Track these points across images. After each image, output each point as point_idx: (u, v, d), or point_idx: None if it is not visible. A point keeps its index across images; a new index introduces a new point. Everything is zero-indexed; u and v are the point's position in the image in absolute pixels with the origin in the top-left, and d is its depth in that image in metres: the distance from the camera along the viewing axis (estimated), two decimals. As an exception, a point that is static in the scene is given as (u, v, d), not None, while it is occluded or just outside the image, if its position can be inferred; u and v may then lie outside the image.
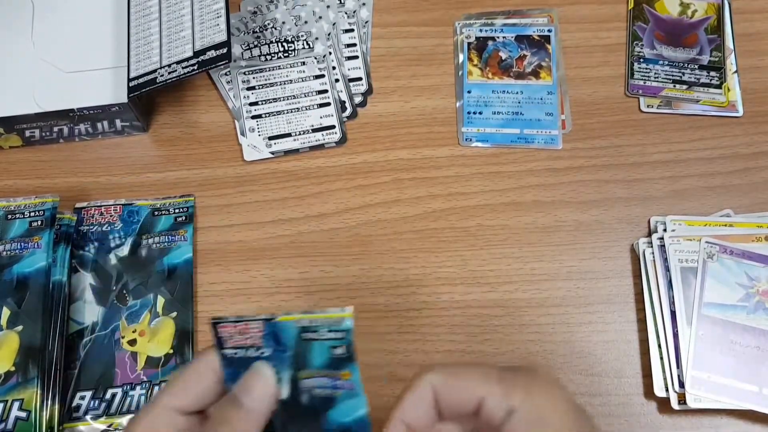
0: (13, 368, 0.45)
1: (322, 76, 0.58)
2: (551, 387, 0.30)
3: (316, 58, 0.58)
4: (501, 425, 0.30)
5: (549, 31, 0.60)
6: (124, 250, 0.52)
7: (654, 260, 0.50)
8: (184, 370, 0.31)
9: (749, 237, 0.50)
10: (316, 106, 0.57)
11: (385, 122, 0.57)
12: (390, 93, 0.58)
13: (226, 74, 0.58)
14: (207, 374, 0.31)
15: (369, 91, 0.58)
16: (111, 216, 0.53)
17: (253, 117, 0.57)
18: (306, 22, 0.60)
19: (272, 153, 0.56)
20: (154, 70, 0.52)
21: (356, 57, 0.59)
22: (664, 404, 0.47)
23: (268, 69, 0.58)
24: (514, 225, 0.54)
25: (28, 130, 0.54)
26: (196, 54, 0.52)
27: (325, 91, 0.57)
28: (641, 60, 0.59)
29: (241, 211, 0.54)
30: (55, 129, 0.55)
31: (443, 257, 0.52)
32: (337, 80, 0.58)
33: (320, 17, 0.60)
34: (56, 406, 0.45)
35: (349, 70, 0.59)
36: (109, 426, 0.47)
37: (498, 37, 0.60)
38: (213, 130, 0.57)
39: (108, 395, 0.47)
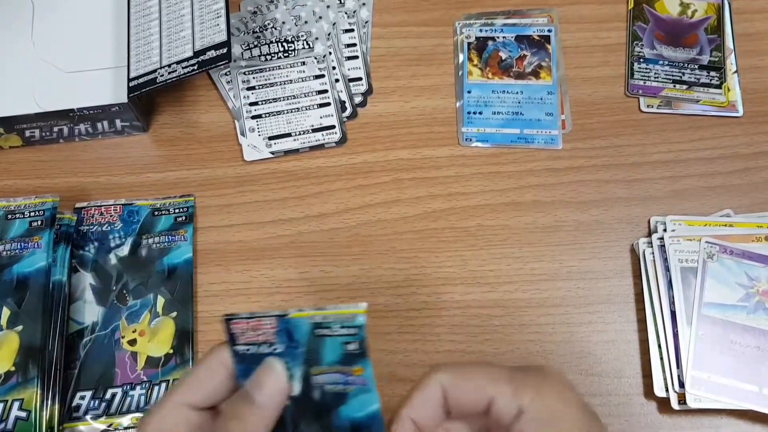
0: (13, 368, 0.45)
1: (322, 76, 0.58)
2: (561, 387, 0.31)
3: (316, 58, 0.58)
4: (511, 425, 0.30)
5: (549, 31, 0.60)
6: (124, 250, 0.52)
7: (654, 260, 0.50)
8: (196, 366, 0.31)
9: (749, 237, 0.50)
10: (316, 106, 0.57)
11: (385, 122, 0.57)
12: (390, 93, 0.58)
13: (226, 74, 0.58)
14: (219, 370, 0.31)
15: (369, 91, 0.58)
16: (111, 216, 0.53)
17: (253, 117, 0.57)
18: (306, 22, 0.60)
19: (272, 153, 0.56)
20: (154, 70, 0.52)
21: (356, 57, 0.59)
22: (664, 404, 0.47)
23: (268, 69, 0.58)
24: (514, 225, 0.54)
25: (28, 130, 0.54)
26: (196, 54, 0.52)
27: (325, 91, 0.57)
28: (641, 60, 0.59)
29: (241, 211, 0.54)
30: (55, 129, 0.55)
31: (443, 257, 0.52)
32: (337, 80, 0.58)
33: (320, 17, 0.60)
34: (56, 406, 0.45)
35: (349, 70, 0.59)
36: (109, 426, 0.47)
37: (498, 37, 0.60)
38: (213, 130, 0.57)
39: (108, 395, 0.47)
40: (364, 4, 0.61)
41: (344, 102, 0.57)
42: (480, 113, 0.57)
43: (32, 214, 0.49)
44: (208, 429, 0.30)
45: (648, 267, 0.50)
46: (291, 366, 0.30)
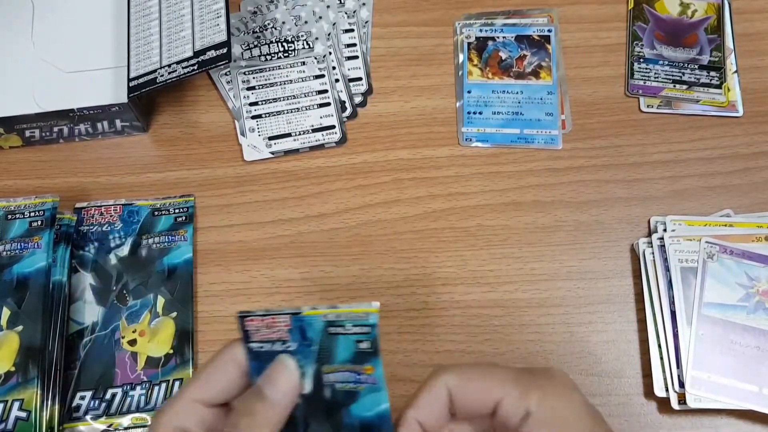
0: (13, 368, 0.45)
1: (322, 76, 0.58)
2: (567, 390, 0.31)
3: (316, 58, 0.58)
4: (518, 427, 0.30)
5: (549, 31, 0.60)
6: (124, 250, 0.52)
7: (654, 260, 0.50)
8: (208, 363, 0.31)
9: (749, 237, 0.50)
10: (316, 106, 0.57)
11: (385, 122, 0.57)
12: (390, 93, 0.58)
13: (226, 74, 0.58)
14: (231, 367, 0.31)
15: (369, 91, 0.58)
16: (111, 216, 0.53)
17: (253, 117, 0.57)
18: (306, 22, 0.60)
19: (272, 153, 0.56)
20: (154, 70, 0.52)
21: (356, 57, 0.59)
22: (664, 404, 0.48)
23: (268, 69, 0.58)
24: (514, 225, 0.54)
25: (28, 130, 0.54)
26: (196, 54, 0.52)
27: (325, 91, 0.57)
28: (641, 60, 0.59)
29: (241, 211, 0.54)
30: (55, 129, 0.55)
31: (443, 257, 0.52)
32: (337, 80, 0.58)
33: (320, 17, 0.60)
34: (56, 406, 0.45)
35: (349, 70, 0.59)
36: (109, 426, 0.47)
37: (498, 37, 0.60)
38: (213, 130, 0.57)
39: (108, 395, 0.47)
40: (364, 4, 0.61)
41: (344, 102, 0.57)
42: (480, 113, 0.57)
43: (32, 214, 0.49)
44: (221, 425, 0.30)
45: (648, 267, 0.50)
46: (303, 364, 0.30)
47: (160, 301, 0.50)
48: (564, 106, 0.57)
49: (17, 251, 0.48)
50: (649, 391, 0.48)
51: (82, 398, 0.47)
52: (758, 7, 0.61)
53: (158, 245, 0.52)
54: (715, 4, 0.60)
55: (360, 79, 0.58)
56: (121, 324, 0.50)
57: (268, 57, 0.58)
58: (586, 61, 0.59)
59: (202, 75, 0.58)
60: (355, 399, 0.30)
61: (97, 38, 0.55)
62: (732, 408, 0.46)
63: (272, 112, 0.57)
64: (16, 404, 0.44)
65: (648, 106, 0.57)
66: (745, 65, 0.58)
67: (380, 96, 0.58)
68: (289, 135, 0.56)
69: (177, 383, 0.48)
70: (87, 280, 0.51)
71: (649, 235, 0.52)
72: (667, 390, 0.47)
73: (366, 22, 0.61)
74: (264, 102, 0.57)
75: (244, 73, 0.58)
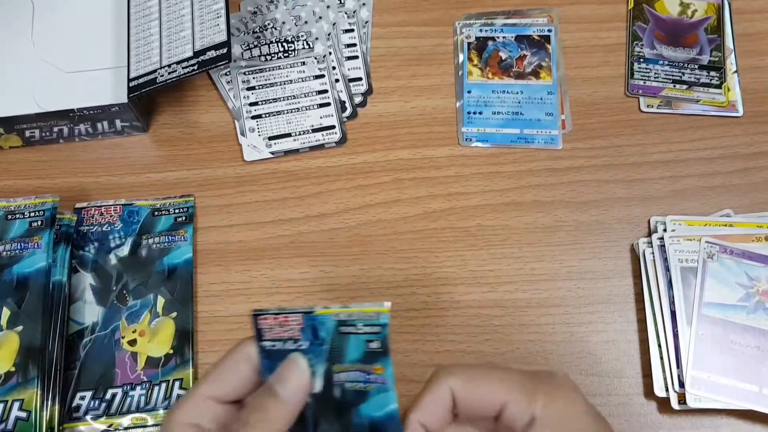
0: (13, 368, 0.45)
1: (322, 76, 0.58)
2: (572, 394, 0.31)
3: (316, 58, 0.58)
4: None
5: (549, 31, 0.60)
6: (124, 251, 0.52)
7: (654, 260, 0.50)
8: (221, 360, 0.31)
9: (749, 237, 0.50)
10: (316, 106, 0.57)
11: (385, 122, 0.57)
12: (390, 93, 0.58)
13: (226, 74, 0.58)
14: (244, 365, 0.31)
15: (369, 91, 0.58)
16: (111, 216, 0.53)
17: (253, 117, 0.57)
18: (306, 22, 0.60)
19: (272, 153, 0.56)
20: (154, 71, 0.52)
21: (356, 57, 0.59)
22: (664, 404, 0.48)
23: (268, 69, 0.58)
24: (514, 225, 0.54)
25: (28, 130, 0.54)
26: (196, 54, 0.52)
27: (325, 91, 0.57)
28: (641, 60, 0.59)
29: (241, 211, 0.54)
30: (55, 129, 0.55)
31: (443, 257, 0.52)
32: (337, 80, 0.58)
33: (320, 17, 0.60)
34: (56, 407, 0.45)
35: (349, 70, 0.59)
36: (109, 426, 0.47)
37: (498, 37, 0.60)
38: (213, 130, 0.57)
39: (108, 395, 0.47)
40: (364, 4, 0.61)
41: (344, 102, 0.57)
42: (480, 113, 0.57)
43: (32, 214, 0.49)
44: (233, 422, 0.30)
45: (648, 267, 0.50)
46: (314, 363, 0.30)
47: (160, 301, 0.50)
48: (564, 106, 0.57)
49: (17, 251, 0.48)
50: (649, 391, 0.48)
51: (82, 398, 0.47)
52: (758, 7, 0.61)
53: (158, 245, 0.52)
54: (715, 4, 0.60)
55: (360, 79, 0.58)
56: (121, 324, 0.50)
57: (268, 57, 0.58)
58: (586, 61, 0.59)
59: (202, 75, 0.58)
60: (365, 399, 0.30)
61: (97, 38, 0.55)
62: (732, 408, 0.46)
63: (272, 112, 0.57)
64: (16, 404, 0.44)
65: (648, 106, 0.57)
66: (745, 65, 0.58)
67: (380, 96, 0.58)
68: (289, 135, 0.56)
69: (177, 383, 0.48)
70: (87, 280, 0.51)
71: (649, 235, 0.52)
72: (667, 390, 0.47)
73: (366, 22, 0.61)
74: (264, 102, 0.57)
75: (244, 73, 0.58)
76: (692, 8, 0.60)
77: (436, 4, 0.61)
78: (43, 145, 0.56)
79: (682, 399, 0.46)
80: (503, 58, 0.59)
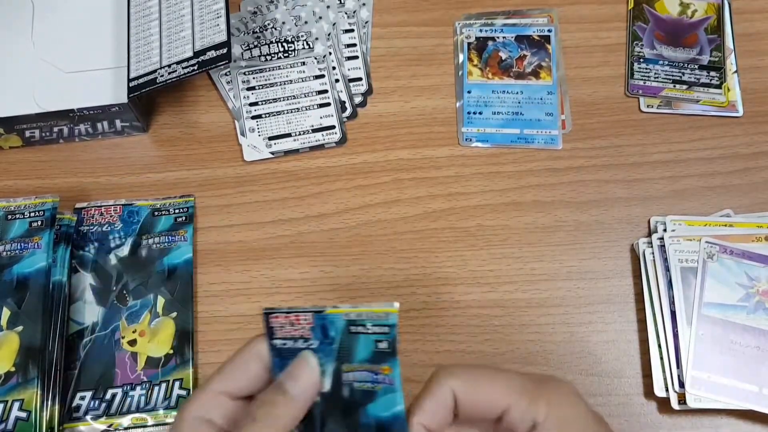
0: (13, 369, 0.45)
1: (322, 76, 0.58)
2: (573, 398, 0.31)
3: (316, 58, 0.58)
4: None
5: (549, 31, 0.60)
6: (124, 251, 0.52)
7: (654, 260, 0.50)
8: (233, 356, 0.32)
9: (749, 237, 0.50)
10: (316, 107, 0.57)
11: (385, 122, 0.57)
12: (390, 93, 0.58)
13: (226, 74, 0.58)
14: (255, 361, 0.31)
15: (369, 91, 0.58)
16: (111, 216, 0.53)
17: (253, 117, 0.57)
18: (306, 23, 0.60)
19: (272, 153, 0.56)
20: (154, 71, 0.52)
21: (356, 57, 0.59)
22: (664, 404, 0.48)
23: (268, 69, 0.58)
24: (514, 225, 0.54)
25: (28, 131, 0.54)
26: (196, 54, 0.52)
27: (325, 91, 0.57)
28: (641, 60, 0.59)
29: (241, 212, 0.54)
30: (55, 129, 0.55)
31: (443, 257, 0.52)
32: (337, 80, 0.58)
33: (320, 17, 0.60)
34: (56, 407, 0.45)
35: (349, 70, 0.59)
36: (109, 426, 0.47)
37: (498, 37, 0.60)
38: (213, 130, 0.57)
39: (108, 395, 0.47)
40: (364, 4, 0.61)
41: (344, 102, 0.57)
42: (480, 113, 0.57)
43: (32, 214, 0.49)
44: (242, 417, 0.30)
45: (648, 267, 0.50)
46: (323, 362, 0.31)
47: (160, 301, 0.50)
48: (564, 106, 0.57)
49: (17, 251, 0.48)
50: (649, 391, 0.48)
51: (82, 398, 0.47)
52: (758, 7, 0.61)
53: (158, 245, 0.52)
54: (715, 4, 0.60)
55: (360, 79, 0.58)
56: (121, 324, 0.50)
57: (268, 57, 0.58)
58: (586, 61, 0.59)
59: (202, 75, 0.58)
60: (372, 399, 0.30)
61: (97, 38, 0.55)
62: (732, 408, 0.46)
63: (272, 113, 0.57)
64: (17, 404, 0.44)
65: (648, 106, 0.57)
66: (745, 65, 0.58)
67: (380, 96, 0.58)
68: (289, 135, 0.56)
69: (177, 383, 0.48)
70: (87, 280, 0.51)
71: (649, 235, 0.52)
72: (667, 390, 0.47)
73: (366, 22, 0.61)
74: (264, 102, 0.57)
75: (244, 74, 0.58)
76: (692, 8, 0.60)
77: (436, 4, 0.61)
78: (43, 145, 0.56)
79: (682, 399, 0.46)
80: (503, 58, 0.59)
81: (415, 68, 0.59)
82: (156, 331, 0.49)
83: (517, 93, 0.58)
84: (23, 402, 0.44)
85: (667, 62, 0.58)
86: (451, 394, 0.30)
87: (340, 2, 0.61)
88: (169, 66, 0.52)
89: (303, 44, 0.59)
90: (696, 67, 0.58)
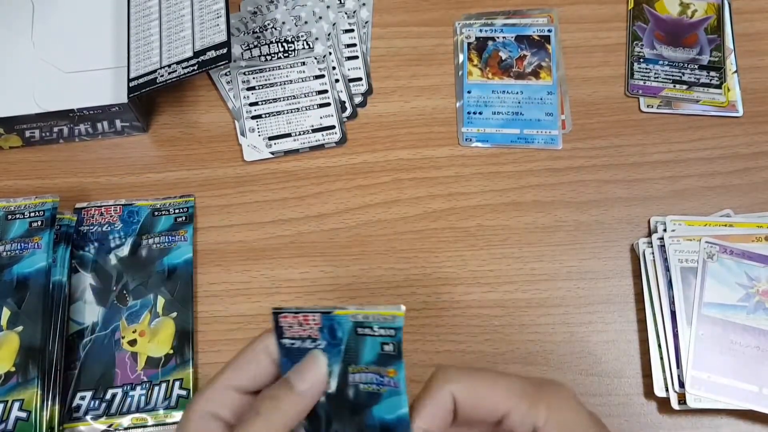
0: (13, 369, 0.45)
1: (322, 76, 0.58)
2: (572, 403, 0.31)
3: (316, 58, 0.58)
4: None
5: (549, 31, 0.60)
6: (124, 251, 0.52)
7: (654, 260, 0.50)
8: (241, 351, 0.32)
9: (749, 237, 0.50)
10: (316, 107, 0.57)
11: (385, 122, 0.57)
12: (390, 93, 0.58)
13: (226, 74, 0.58)
14: (263, 356, 0.31)
15: (369, 91, 0.58)
16: (111, 216, 0.53)
17: (253, 117, 0.57)
18: (306, 23, 0.60)
19: (272, 153, 0.56)
20: (154, 71, 0.52)
21: (356, 57, 0.59)
22: (664, 404, 0.48)
23: (268, 69, 0.58)
24: (514, 225, 0.54)
25: (28, 131, 0.54)
26: (196, 54, 0.52)
27: (325, 91, 0.57)
28: (641, 60, 0.59)
29: (241, 212, 0.54)
30: (55, 129, 0.55)
31: (443, 257, 0.52)
32: (337, 80, 0.58)
33: (320, 17, 0.60)
34: (56, 407, 0.45)
35: (349, 70, 0.59)
36: (109, 426, 0.47)
37: (498, 37, 0.60)
38: (213, 130, 0.57)
39: (108, 395, 0.47)
40: (364, 4, 0.61)
41: (344, 102, 0.57)
42: (480, 113, 0.57)
43: (32, 214, 0.49)
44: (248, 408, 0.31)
45: (648, 267, 0.50)
46: (330, 362, 0.31)
47: (160, 301, 0.50)
48: (564, 106, 0.57)
49: (17, 251, 0.48)
50: (649, 391, 0.48)
51: (82, 398, 0.47)
52: (758, 7, 0.61)
53: (158, 245, 0.52)
54: (715, 4, 0.60)
55: (360, 79, 0.58)
56: (121, 324, 0.50)
57: (268, 57, 0.58)
58: (586, 61, 0.59)
59: (202, 75, 0.58)
60: (378, 401, 0.30)
61: (97, 38, 0.55)
62: (732, 408, 0.46)
63: (272, 113, 0.57)
64: (17, 404, 0.44)
65: (648, 106, 0.57)
66: (745, 65, 0.58)
67: (380, 96, 0.58)
68: (289, 135, 0.56)
69: (177, 383, 0.48)
70: (87, 280, 0.51)
71: (649, 235, 0.52)
72: (667, 390, 0.47)
73: (366, 22, 0.61)
74: (264, 102, 0.57)
75: (244, 74, 0.58)
76: (692, 8, 0.60)
77: (436, 4, 0.61)
78: (43, 145, 0.56)
79: (682, 399, 0.46)
80: (503, 58, 0.59)
81: (415, 68, 0.59)
82: (156, 331, 0.49)
83: (517, 93, 0.58)
84: (23, 402, 0.44)
85: (667, 62, 0.58)
86: (451, 398, 0.31)
87: (340, 2, 0.61)
88: (169, 66, 0.52)
89: (303, 44, 0.59)
90: (696, 67, 0.58)
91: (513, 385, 0.31)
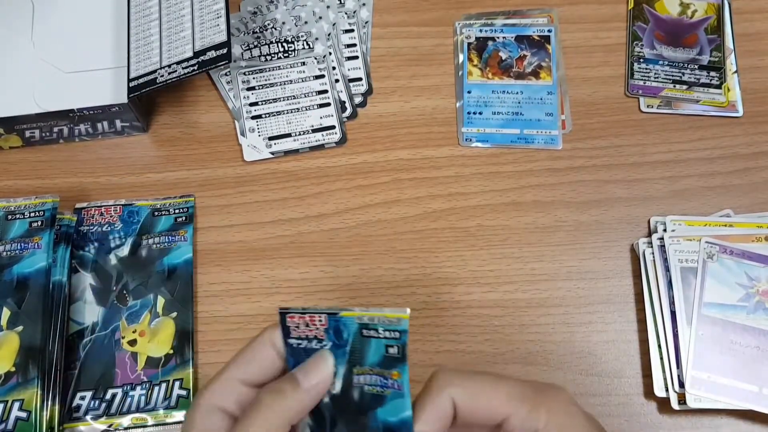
0: (13, 369, 0.45)
1: (322, 76, 0.58)
2: (572, 407, 0.31)
3: (316, 58, 0.58)
4: None
5: (549, 31, 0.60)
6: (124, 251, 0.52)
7: (654, 260, 0.50)
8: (247, 344, 0.32)
9: (749, 237, 0.50)
10: (316, 107, 0.57)
11: (385, 122, 0.57)
12: (390, 93, 0.58)
13: (226, 74, 0.58)
14: (269, 348, 0.32)
15: (369, 92, 0.58)
16: (111, 216, 0.53)
17: (253, 117, 0.57)
18: (306, 23, 0.60)
19: (272, 153, 0.56)
20: (154, 71, 0.52)
21: (356, 57, 0.59)
22: (664, 404, 0.48)
23: (268, 69, 0.58)
24: (514, 225, 0.54)
25: (28, 131, 0.54)
26: (196, 54, 0.52)
27: (325, 91, 0.57)
28: (641, 60, 0.59)
29: (241, 212, 0.54)
30: (55, 129, 0.55)
31: (443, 257, 0.52)
32: (337, 80, 0.58)
33: (320, 17, 0.60)
34: (56, 407, 0.45)
35: (349, 70, 0.59)
36: (109, 426, 0.47)
37: (498, 37, 0.60)
38: (213, 130, 0.57)
39: (108, 395, 0.47)
40: (364, 4, 0.61)
41: (344, 102, 0.57)
42: (480, 113, 0.57)
43: (32, 214, 0.49)
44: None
45: (648, 267, 0.50)
46: (336, 363, 0.31)
47: (160, 301, 0.50)
48: (564, 106, 0.57)
49: (17, 251, 0.48)
50: (649, 391, 0.48)
51: (82, 398, 0.47)
52: (758, 7, 0.61)
53: (158, 245, 0.52)
54: (715, 4, 0.60)
55: (360, 79, 0.58)
56: (121, 324, 0.50)
57: (268, 57, 0.58)
58: (586, 61, 0.59)
59: (202, 75, 0.58)
60: (381, 403, 0.30)
61: (97, 38, 0.55)
62: (732, 408, 0.46)
63: (272, 113, 0.57)
64: (17, 404, 0.44)
65: (648, 106, 0.57)
66: (745, 65, 0.58)
67: (380, 96, 0.58)
68: (289, 135, 0.56)
69: (177, 383, 0.48)
70: (87, 280, 0.51)
71: (649, 235, 0.52)
72: (667, 390, 0.47)
73: (366, 22, 0.61)
74: (264, 102, 0.57)
75: (244, 74, 0.58)
76: (692, 8, 0.60)
77: (436, 4, 0.61)
78: (43, 145, 0.56)
79: (682, 399, 0.46)
80: (503, 58, 0.59)
81: (415, 68, 0.59)
82: (156, 331, 0.49)
83: (517, 93, 0.58)
84: (23, 402, 0.44)
85: (667, 62, 0.58)
86: (450, 403, 0.31)
87: (340, 2, 0.61)
88: (169, 66, 0.52)
89: (303, 44, 0.59)
90: (696, 67, 0.58)
91: (513, 389, 0.31)
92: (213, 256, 0.53)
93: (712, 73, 0.58)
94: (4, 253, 0.48)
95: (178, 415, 0.47)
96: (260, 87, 0.58)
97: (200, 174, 0.55)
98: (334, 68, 0.58)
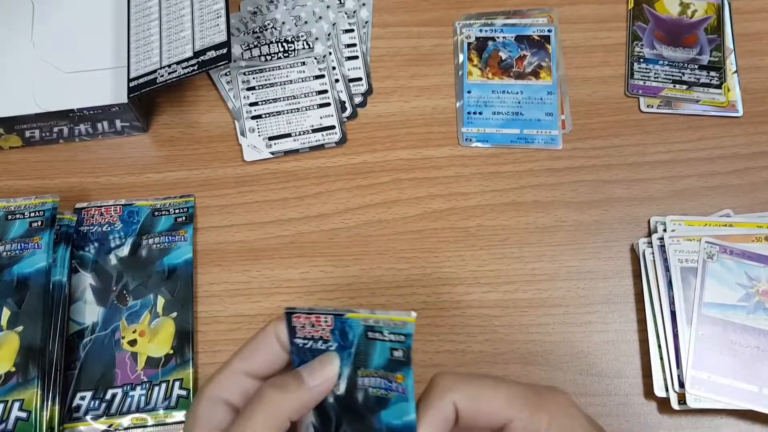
0: (13, 369, 0.45)
1: (322, 76, 0.58)
2: (573, 410, 0.31)
3: (316, 58, 0.58)
4: None
5: (549, 31, 0.60)
6: (124, 251, 0.52)
7: (654, 260, 0.50)
8: (252, 337, 0.32)
9: (749, 237, 0.50)
10: (316, 107, 0.57)
11: (385, 122, 0.57)
12: (390, 93, 0.58)
13: (226, 74, 0.58)
14: (274, 341, 0.32)
15: (369, 91, 0.58)
16: (111, 216, 0.53)
17: (253, 117, 0.57)
18: (306, 23, 0.60)
19: (272, 153, 0.56)
20: (154, 71, 0.52)
21: (356, 57, 0.59)
22: (664, 404, 0.48)
23: (268, 69, 0.58)
24: (514, 225, 0.54)
25: (28, 131, 0.54)
26: (196, 54, 0.52)
27: (325, 91, 0.57)
28: (641, 60, 0.59)
29: (241, 212, 0.54)
30: (55, 129, 0.55)
31: (443, 257, 0.52)
32: (337, 80, 0.58)
33: (320, 17, 0.60)
34: (56, 407, 0.45)
35: (349, 70, 0.59)
36: (109, 426, 0.47)
37: (498, 37, 0.60)
38: (213, 130, 0.57)
39: (108, 395, 0.47)
40: (364, 4, 0.61)
41: (344, 102, 0.57)
42: (480, 113, 0.57)
43: (32, 214, 0.49)
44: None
45: (648, 267, 0.50)
46: (341, 365, 0.31)
47: (160, 301, 0.50)
48: (564, 106, 0.57)
49: (17, 251, 0.48)
50: (649, 392, 0.48)
51: (82, 398, 0.47)
52: (758, 7, 0.61)
53: (158, 245, 0.52)
54: (715, 4, 0.60)
55: (360, 79, 0.58)
56: (121, 324, 0.50)
57: (268, 57, 0.58)
58: (586, 61, 0.59)
59: (202, 75, 0.58)
60: (385, 406, 0.30)
61: (97, 38, 0.55)
62: (732, 408, 0.46)
63: (272, 113, 0.57)
64: (17, 404, 0.44)
65: (648, 106, 0.57)
66: (745, 65, 0.58)
67: (380, 96, 0.58)
68: (289, 135, 0.56)
69: (177, 383, 0.48)
70: (87, 280, 0.51)
71: (649, 235, 0.52)
72: (667, 390, 0.47)
73: (366, 22, 0.61)
74: (264, 102, 0.57)
75: (244, 74, 0.58)
76: (692, 8, 0.60)
77: (436, 4, 0.61)
78: (43, 145, 0.56)
79: (682, 399, 0.46)
80: (503, 58, 0.59)
81: (415, 68, 0.59)
82: (156, 331, 0.49)
83: (517, 93, 0.58)
84: (23, 402, 0.44)
85: (667, 62, 0.58)
86: (452, 407, 0.31)
87: (340, 2, 0.61)
88: (169, 66, 0.52)
89: (303, 44, 0.59)
90: (696, 67, 0.58)
91: (514, 393, 0.31)
92: (213, 256, 0.53)
93: (712, 73, 0.58)
94: (4, 253, 0.48)
95: (178, 415, 0.47)
96: (260, 87, 0.58)
97: (200, 174, 0.55)
98: (334, 68, 0.58)
